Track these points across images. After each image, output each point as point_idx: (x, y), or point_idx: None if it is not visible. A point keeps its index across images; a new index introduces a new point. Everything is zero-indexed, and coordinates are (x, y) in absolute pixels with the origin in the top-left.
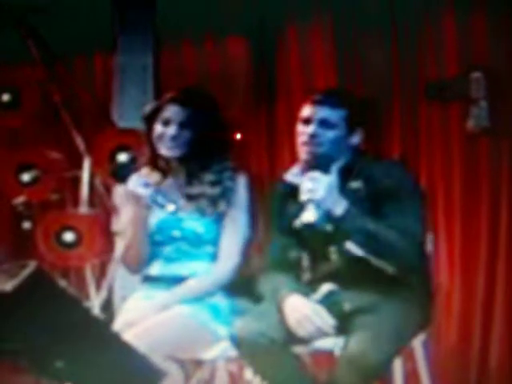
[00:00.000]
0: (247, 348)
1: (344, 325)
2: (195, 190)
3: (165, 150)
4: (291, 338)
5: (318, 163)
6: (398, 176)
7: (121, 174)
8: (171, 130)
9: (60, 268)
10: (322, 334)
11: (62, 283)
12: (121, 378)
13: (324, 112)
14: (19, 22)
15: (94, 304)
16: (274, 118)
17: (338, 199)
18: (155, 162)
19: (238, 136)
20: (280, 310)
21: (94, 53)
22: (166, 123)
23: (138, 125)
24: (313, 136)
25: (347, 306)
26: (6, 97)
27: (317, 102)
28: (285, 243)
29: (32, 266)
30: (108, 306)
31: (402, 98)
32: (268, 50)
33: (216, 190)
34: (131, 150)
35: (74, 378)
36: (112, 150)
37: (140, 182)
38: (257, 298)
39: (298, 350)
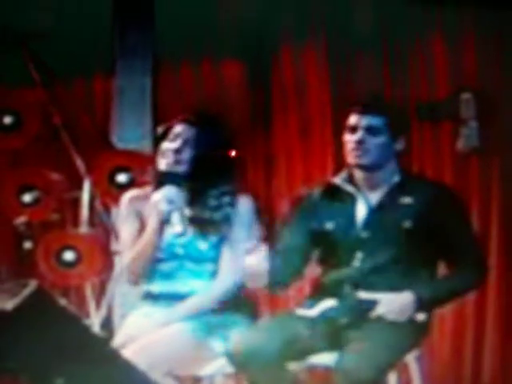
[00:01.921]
0: (243, 364)
1: (341, 340)
2: (197, 213)
3: (165, 166)
4: (287, 353)
5: (366, 169)
6: (452, 202)
7: (161, 180)
8: (175, 144)
9: (60, 287)
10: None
11: (62, 302)
12: None
13: (369, 119)
14: (20, 45)
15: (94, 322)
16: (271, 138)
17: (412, 307)
18: (161, 180)
19: (233, 153)
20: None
21: (94, 75)
22: (173, 140)
23: (137, 146)
24: (360, 142)
25: (344, 321)
26: (7, 119)
27: (362, 111)
28: (298, 247)
29: (33, 285)
30: (108, 324)
31: None
32: (264, 72)
33: (217, 216)
34: (130, 170)
35: None
36: (111, 171)
37: (166, 197)
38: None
39: (294, 365)
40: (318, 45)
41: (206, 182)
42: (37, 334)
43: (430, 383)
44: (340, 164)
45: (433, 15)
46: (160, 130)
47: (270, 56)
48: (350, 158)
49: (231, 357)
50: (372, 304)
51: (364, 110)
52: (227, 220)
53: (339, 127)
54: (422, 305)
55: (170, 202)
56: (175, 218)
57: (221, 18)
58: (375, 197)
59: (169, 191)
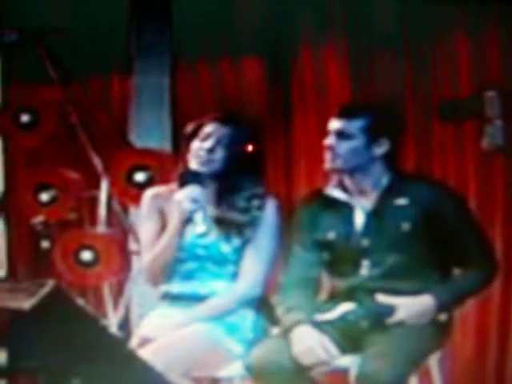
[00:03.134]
0: (260, 372)
1: (361, 343)
2: (223, 214)
3: (197, 165)
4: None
5: (342, 173)
6: (450, 201)
7: (185, 179)
8: (208, 143)
9: (78, 287)
10: (325, 364)
11: (80, 302)
12: None
13: (340, 124)
14: (38, 43)
15: (112, 322)
16: (291, 136)
17: (432, 310)
18: (185, 180)
19: (254, 149)
20: (287, 337)
21: (111, 73)
22: (205, 139)
23: (155, 144)
24: (329, 147)
25: (364, 324)
26: (24, 117)
27: (337, 115)
28: (309, 259)
29: (50, 284)
30: (125, 325)
31: (416, 116)
32: (283, 69)
33: (244, 218)
34: (148, 169)
35: None
36: (129, 170)
37: (189, 196)
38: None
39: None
40: (338, 41)
41: (237, 183)
42: (54, 334)
43: None
44: None
45: (456, 12)
46: (190, 128)
47: (289, 53)
48: (325, 162)
49: (248, 364)
50: (391, 308)
51: (338, 114)
52: (254, 223)
53: None
54: (442, 307)
55: (194, 201)
56: (198, 217)
57: (239, 14)
58: (368, 202)
59: (193, 190)
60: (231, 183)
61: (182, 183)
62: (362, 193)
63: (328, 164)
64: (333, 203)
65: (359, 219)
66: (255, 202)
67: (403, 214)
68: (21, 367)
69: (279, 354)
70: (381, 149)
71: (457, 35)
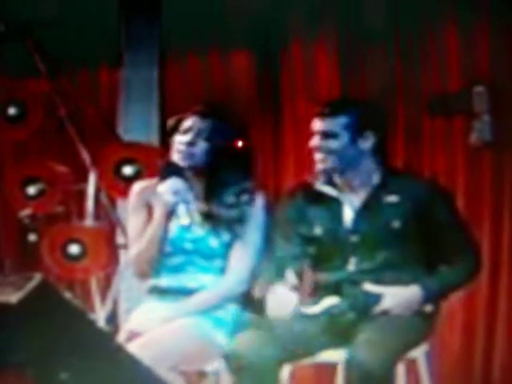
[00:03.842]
0: (238, 369)
1: (347, 335)
2: (212, 209)
3: (178, 159)
4: (286, 355)
5: (333, 174)
6: (439, 199)
7: (166, 172)
8: (187, 136)
9: (65, 280)
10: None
11: (68, 295)
12: None
13: (323, 124)
14: (25, 35)
15: (99, 316)
16: (279, 130)
17: (419, 300)
18: (166, 172)
19: (240, 143)
20: (269, 324)
21: (100, 66)
22: (185, 132)
23: (144, 138)
24: (317, 148)
25: (350, 316)
26: (12, 110)
27: (318, 115)
28: (292, 252)
29: (37, 278)
30: (113, 318)
31: (405, 111)
32: (273, 63)
33: (233, 213)
34: (136, 162)
35: None
36: (117, 163)
37: (171, 188)
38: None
39: (303, 362)
40: (328, 36)
41: (224, 177)
42: (41, 328)
43: (439, 379)
44: None
45: (446, 7)
46: (171, 122)
47: (279, 46)
48: (316, 163)
49: (228, 355)
50: (378, 297)
51: (320, 114)
52: (243, 218)
53: None
54: (429, 298)
55: (176, 193)
56: (181, 210)
57: (229, 8)
58: (358, 199)
59: (174, 183)
60: (218, 178)
61: (163, 176)
62: (351, 189)
63: (320, 165)
64: (321, 198)
65: (348, 215)
66: (244, 197)
67: (394, 211)
68: (8, 361)
69: (260, 344)
70: (367, 143)
71: (447, 30)
